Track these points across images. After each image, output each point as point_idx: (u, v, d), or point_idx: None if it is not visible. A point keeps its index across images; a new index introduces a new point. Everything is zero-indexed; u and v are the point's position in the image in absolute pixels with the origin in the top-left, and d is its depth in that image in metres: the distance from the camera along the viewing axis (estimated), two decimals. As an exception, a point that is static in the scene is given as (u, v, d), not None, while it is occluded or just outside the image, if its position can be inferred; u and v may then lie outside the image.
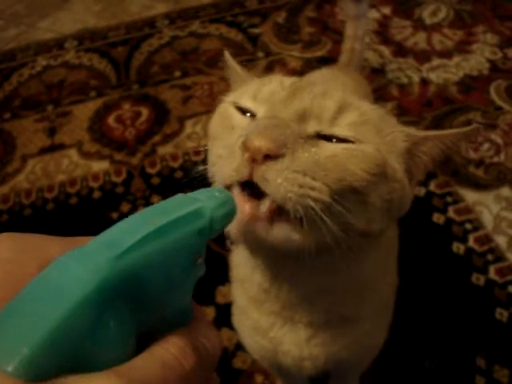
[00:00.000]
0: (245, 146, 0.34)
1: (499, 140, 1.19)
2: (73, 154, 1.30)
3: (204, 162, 0.42)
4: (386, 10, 1.63)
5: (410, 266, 0.71)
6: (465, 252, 0.99)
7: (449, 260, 0.98)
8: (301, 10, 1.68)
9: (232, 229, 0.36)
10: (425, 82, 1.36)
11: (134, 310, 0.21)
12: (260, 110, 0.40)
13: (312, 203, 0.33)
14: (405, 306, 0.66)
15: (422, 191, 1.08)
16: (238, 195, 0.35)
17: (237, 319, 0.60)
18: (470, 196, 1.08)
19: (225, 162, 0.35)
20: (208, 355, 0.24)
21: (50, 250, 0.23)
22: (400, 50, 1.47)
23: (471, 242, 1.00)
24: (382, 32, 1.55)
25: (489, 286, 0.93)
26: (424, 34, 1.53)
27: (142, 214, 0.22)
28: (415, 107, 1.29)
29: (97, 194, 1.18)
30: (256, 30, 1.61)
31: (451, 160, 1.14)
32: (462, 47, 1.46)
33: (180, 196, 0.24)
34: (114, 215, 1.12)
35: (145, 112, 1.38)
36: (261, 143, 0.33)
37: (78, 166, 1.26)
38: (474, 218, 1.04)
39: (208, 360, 0.24)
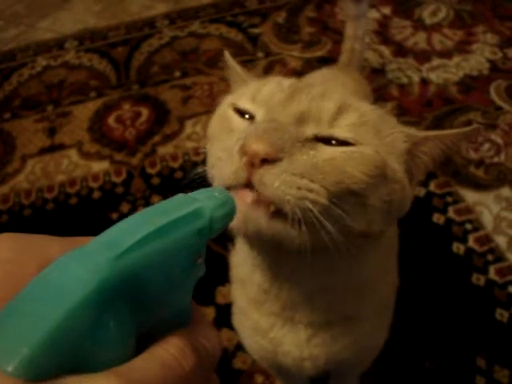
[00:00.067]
0: (243, 150, 0.34)
1: (499, 140, 1.19)
2: (73, 154, 1.30)
3: (204, 162, 0.42)
4: (386, 10, 1.63)
5: (410, 267, 0.71)
6: (465, 252, 0.99)
7: (449, 260, 0.98)
8: (301, 9, 1.68)
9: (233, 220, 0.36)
10: (425, 82, 1.36)
11: (134, 310, 0.21)
12: (259, 113, 0.40)
13: (310, 205, 0.33)
14: (405, 306, 0.66)
15: (422, 191, 1.08)
16: (237, 194, 0.35)
17: (237, 319, 0.60)
18: (470, 196, 1.08)
19: (224, 165, 0.36)
20: (208, 356, 0.24)
21: (50, 250, 0.23)
22: (400, 50, 1.47)
23: (471, 243, 1.00)
24: (382, 32, 1.55)
25: (489, 287, 0.93)
26: (424, 34, 1.53)
27: (142, 214, 0.22)
28: (415, 107, 1.29)
29: (97, 195, 1.18)
30: (256, 30, 1.61)
31: (451, 160, 1.14)
32: (462, 47, 1.46)
33: (180, 196, 0.24)
34: (114, 215, 1.12)
35: (145, 112, 1.38)
36: (258, 147, 0.33)
37: (78, 166, 1.26)
38: (474, 218, 1.04)
39: (208, 360, 0.24)
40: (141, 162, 1.24)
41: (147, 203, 1.13)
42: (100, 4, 1.89)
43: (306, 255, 0.36)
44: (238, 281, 0.55)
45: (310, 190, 0.34)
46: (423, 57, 1.44)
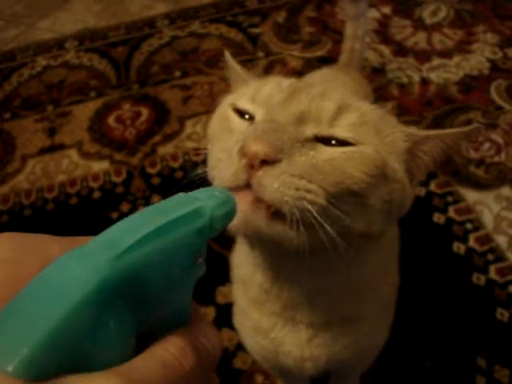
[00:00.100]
0: (242, 152, 0.34)
1: (500, 140, 1.19)
2: (73, 154, 1.30)
3: (204, 162, 0.42)
4: (386, 10, 1.63)
5: (411, 266, 0.71)
6: (465, 252, 0.99)
7: (449, 260, 0.98)
8: (301, 9, 1.68)
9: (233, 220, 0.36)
10: (425, 82, 1.36)
11: (134, 309, 0.21)
12: (258, 113, 0.40)
13: (308, 206, 0.33)
14: (405, 306, 0.66)
15: (422, 191, 1.08)
16: (238, 194, 0.35)
17: (238, 320, 0.60)
18: (470, 196, 1.08)
19: (224, 167, 0.36)
20: (208, 355, 0.24)
21: (50, 249, 0.23)
22: (400, 50, 1.47)
23: (472, 242, 1.00)
24: (382, 31, 1.55)
25: (489, 286, 0.93)
26: (424, 33, 1.52)
27: (142, 213, 0.22)
28: (415, 107, 1.29)
29: (97, 194, 1.18)
30: (256, 30, 1.61)
31: (452, 160, 1.14)
32: (463, 47, 1.46)
33: (180, 195, 0.24)
34: (114, 215, 1.12)
35: (145, 112, 1.38)
36: (258, 148, 0.33)
37: (78, 166, 1.26)
38: (474, 217, 1.04)
39: (208, 360, 0.24)
40: (141, 162, 1.24)
41: (147, 203, 1.13)
42: (100, 4, 1.89)
43: (305, 256, 0.36)
44: (239, 281, 0.55)
45: (308, 191, 0.33)
46: (423, 56, 1.44)
